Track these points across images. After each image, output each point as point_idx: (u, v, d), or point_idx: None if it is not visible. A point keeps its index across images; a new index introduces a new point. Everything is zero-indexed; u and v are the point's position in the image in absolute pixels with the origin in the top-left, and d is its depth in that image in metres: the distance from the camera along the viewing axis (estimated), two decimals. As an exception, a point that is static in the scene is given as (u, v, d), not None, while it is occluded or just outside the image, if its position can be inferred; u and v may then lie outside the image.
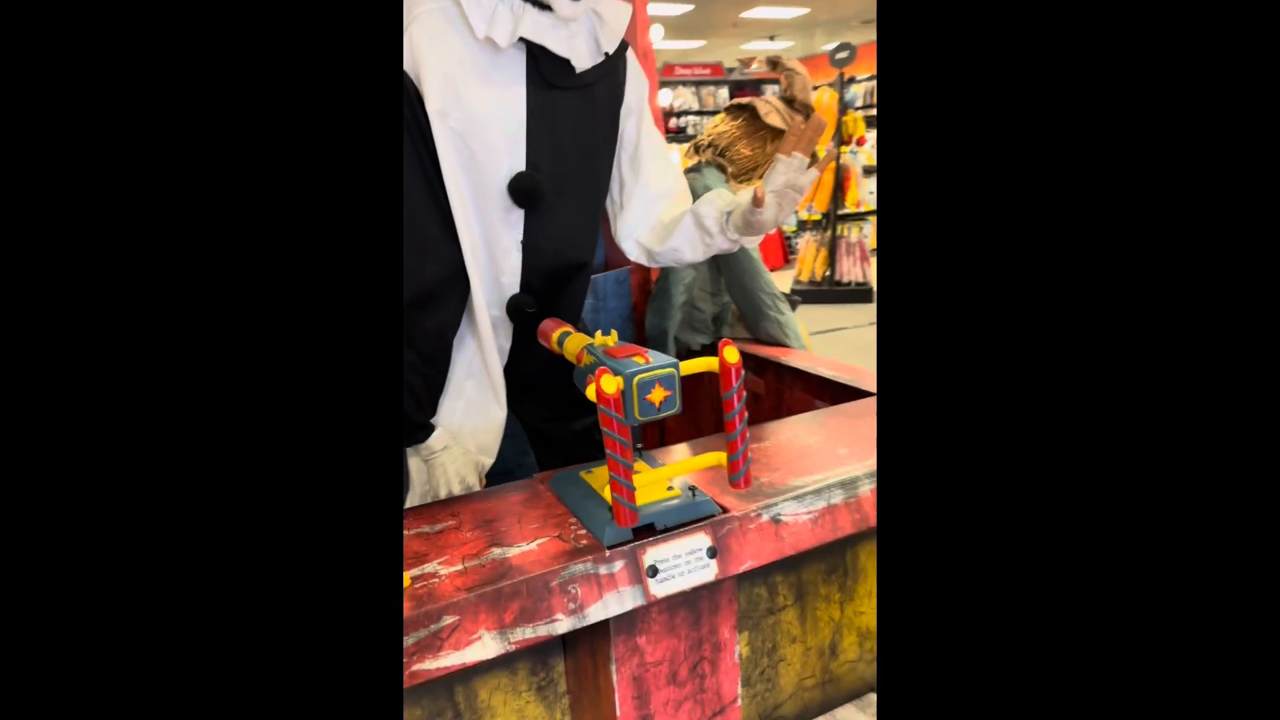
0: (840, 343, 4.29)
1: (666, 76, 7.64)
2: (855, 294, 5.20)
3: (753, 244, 0.93)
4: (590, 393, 0.60)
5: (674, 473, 0.66)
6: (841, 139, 5.13)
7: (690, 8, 8.16)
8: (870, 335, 4.34)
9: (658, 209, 1.00)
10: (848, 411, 0.96)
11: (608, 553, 0.63)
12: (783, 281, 5.62)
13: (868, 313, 4.84)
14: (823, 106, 5.10)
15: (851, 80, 6.28)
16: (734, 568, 0.68)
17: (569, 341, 0.77)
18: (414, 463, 0.96)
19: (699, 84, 7.52)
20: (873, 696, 1.01)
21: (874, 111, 6.89)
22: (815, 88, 5.28)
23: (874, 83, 7.19)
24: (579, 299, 1.03)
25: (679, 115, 7.33)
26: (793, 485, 0.74)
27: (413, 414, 0.91)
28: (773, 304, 1.32)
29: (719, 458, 0.66)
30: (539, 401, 1.08)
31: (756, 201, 0.82)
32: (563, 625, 0.60)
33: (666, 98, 7.24)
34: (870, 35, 10.35)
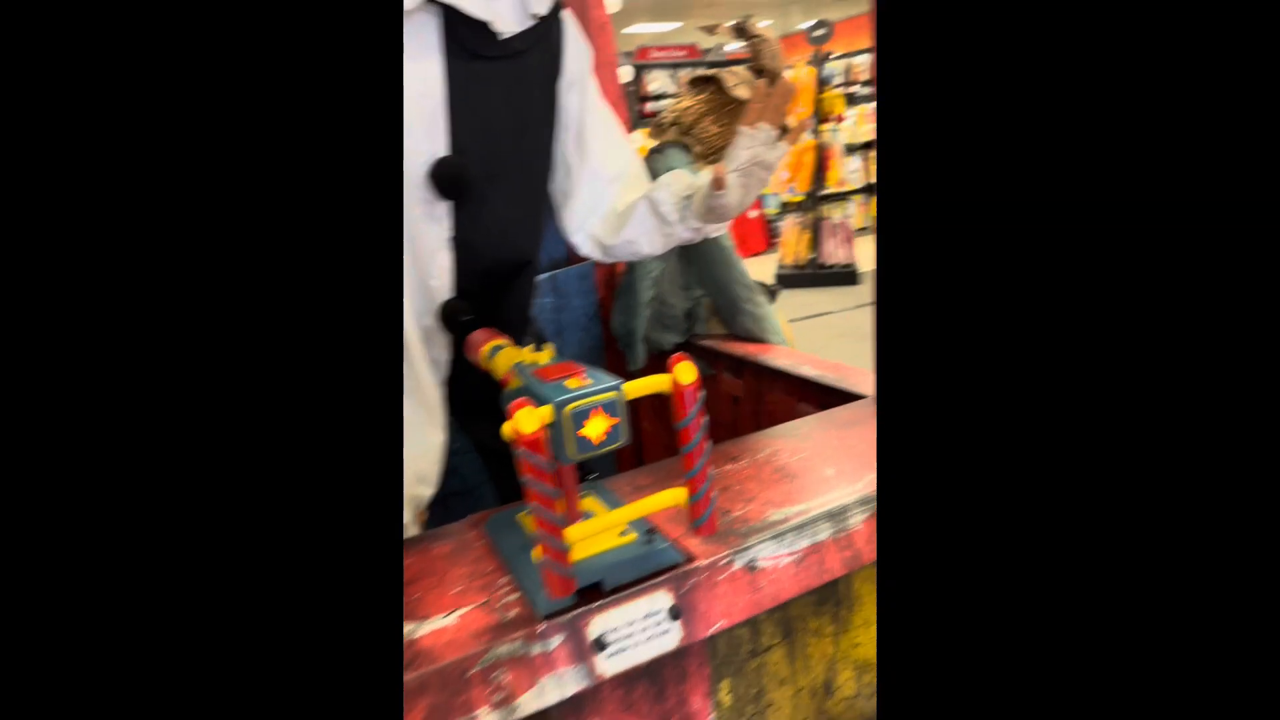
0: (826, 327, 4.18)
1: (641, 60, 7.46)
2: (840, 276, 5.08)
3: (719, 232, 0.81)
4: (507, 430, 0.47)
5: (623, 518, 0.54)
6: (821, 117, 5.00)
7: (663, -11, 7.97)
8: (858, 319, 4.24)
9: (610, 196, 0.87)
10: (835, 420, 0.84)
11: (542, 625, 0.50)
12: (767, 266, 5.51)
13: (854, 295, 4.73)
14: (801, 83, 4.97)
15: (829, 56, 6.14)
16: (701, 630, 0.56)
17: (499, 358, 0.65)
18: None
19: (675, 66, 7.35)
20: (873, 735, 0.90)
21: (853, 89, 6.76)
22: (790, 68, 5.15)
23: (852, 59, 7.06)
24: (525, 302, 0.90)
25: (655, 99, 7.17)
26: (771, 520, 0.62)
27: None
28: (748, 296, 1.20)
29: (679, 495, 0.54)
30: (494, 420, 0.95)
31: (717, 183, 0.70)
32: (486, 723, 0.48)
33: (629, 74, 6.98)
34: (846, 10, 10.21)
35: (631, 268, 1.26)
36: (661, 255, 1.27)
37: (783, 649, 0.78)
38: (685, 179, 0.80)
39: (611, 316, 1.33)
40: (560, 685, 0.50)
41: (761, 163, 0.71)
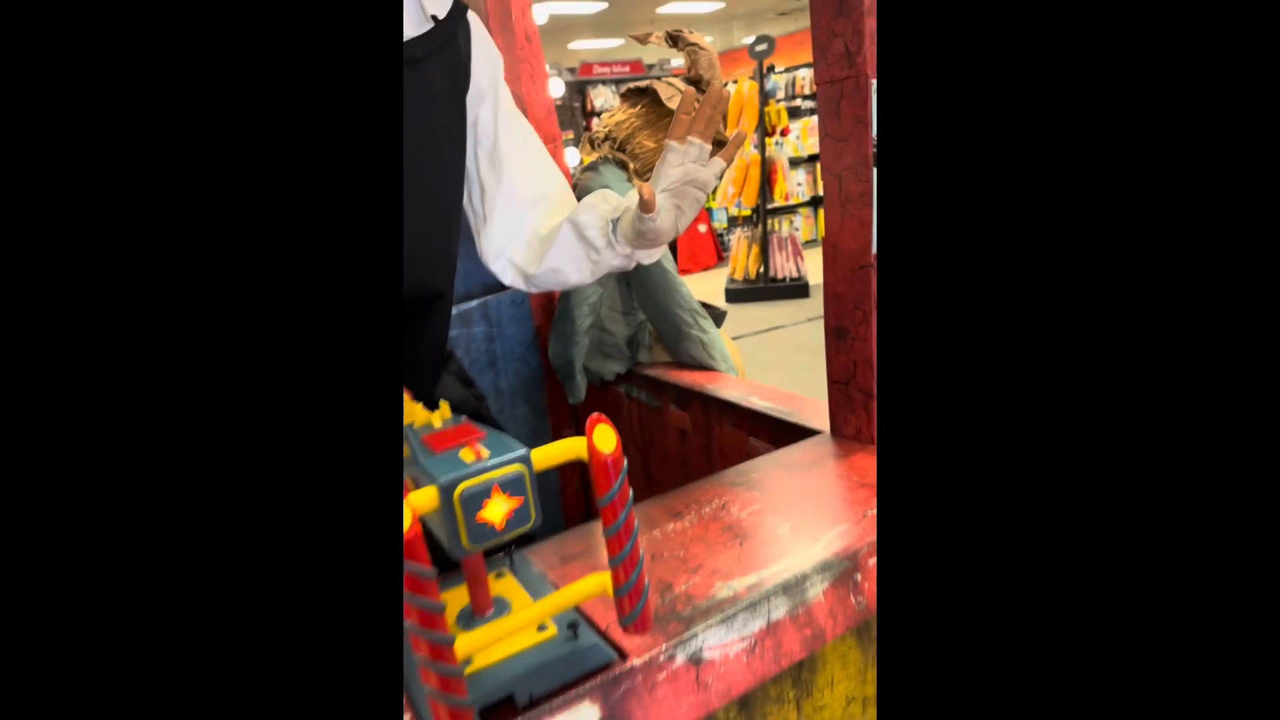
0: (780, 341, 4.15)
1: (585, 76, 7.41)
2: (790, 289, 5.07)
3: (652, 259, 0.72)
4: None
5: (538, 615, 0.44)
6: (766, 130, 5.01)
7: (605, 5, 7.95)
8: (809, 332, 4.22)
9: (531, 219, 0.78)
10: (790, 461, 0.75)
11: (435, 764, 0.40)
12: (718, 281, 5.48)
13: (805, 308, 4.72)
14: (744, 98, 4.97)
15: (772, 70, 6.19)
16: (638, 747, 0.46)
17: (415, 413, 0.54)
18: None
19: (618, 82, 7.31)
20: (845, 805, 0.81)
21: (796, 102, 6.82)
22: (730, 83, 5.15)
23: (795, 73, 7.13)
24: (439, 337, 0.80)
25: (598, 114, 7.11)
26: (719, 597, 0.53)
27: None
28: (693, 320, 1.11)
29: (604, 583, 0.44)
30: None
31: (645, 205, 0.61)
32: None
33: (558, 89, 6.82)
34: (788, 27, 10.37)
35: (566, 294, 1.17)
36: (599, 280, 1.18)
37: (740, 724, 0.69)
38: (613, 200, 0.71)
39: (549, 344, 1.23)
40: (459, 840, 0.40)
41: (694, 181, 0.63)
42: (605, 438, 0.41)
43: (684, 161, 0.62)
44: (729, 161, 0.65)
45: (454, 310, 1.23)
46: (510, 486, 0.41)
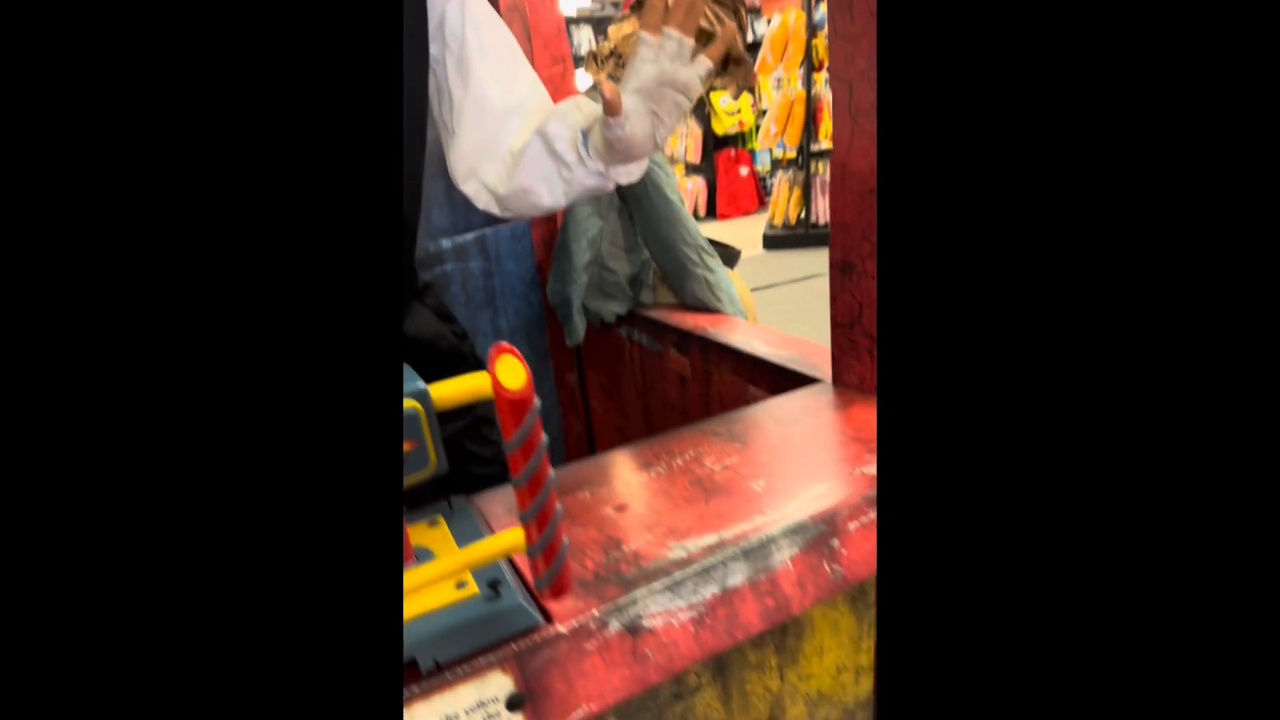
0: (816, 290, 4.00)
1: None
2: (833, 236, 4.87)
3: (630, 178, 0.64)
4: None
5: (440, 571, 0.39)
6: (812, 65, 4.73)
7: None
8: (848, 280, 4.04)
9: (504, 133, 0.70)
10: (780, 412, 0.68)
11: (313, 734, 0.35)
12: (757, 228, 5.30)
13: (846, 255, 4.53)
14: (789, 30, 4.70)
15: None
16: (557, 722, 0.41)
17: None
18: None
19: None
20: (831, 775, 0.76)
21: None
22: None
23: None
24: (401, 268, 0.74)
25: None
26: (670, 558, 0.46)
27: None
28: (698, 258, 1.03)
29: (517, 539, 0.38)
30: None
31: (608, 107, 0.53)
32: None
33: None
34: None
35: (565, 226, 1.09)
36: (600, 212, 1.10)
37: (714, 689, 0.64)
38: (587, 108, 0.62)
39: (548, 283, 1.16)
40: (339, 819, 0.36)
41: (672, 82, 0.54)
42: (511, 372, 0.35)
43: (658, 58, 0.53)
44: (716, 61, 0.56)
45: (448, 243, 1.17)
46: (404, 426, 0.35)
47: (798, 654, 0.68)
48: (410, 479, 0.36)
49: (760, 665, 0.66)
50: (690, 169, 6.42)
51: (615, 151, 0.57)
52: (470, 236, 1.18)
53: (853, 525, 0.51)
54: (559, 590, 0.38)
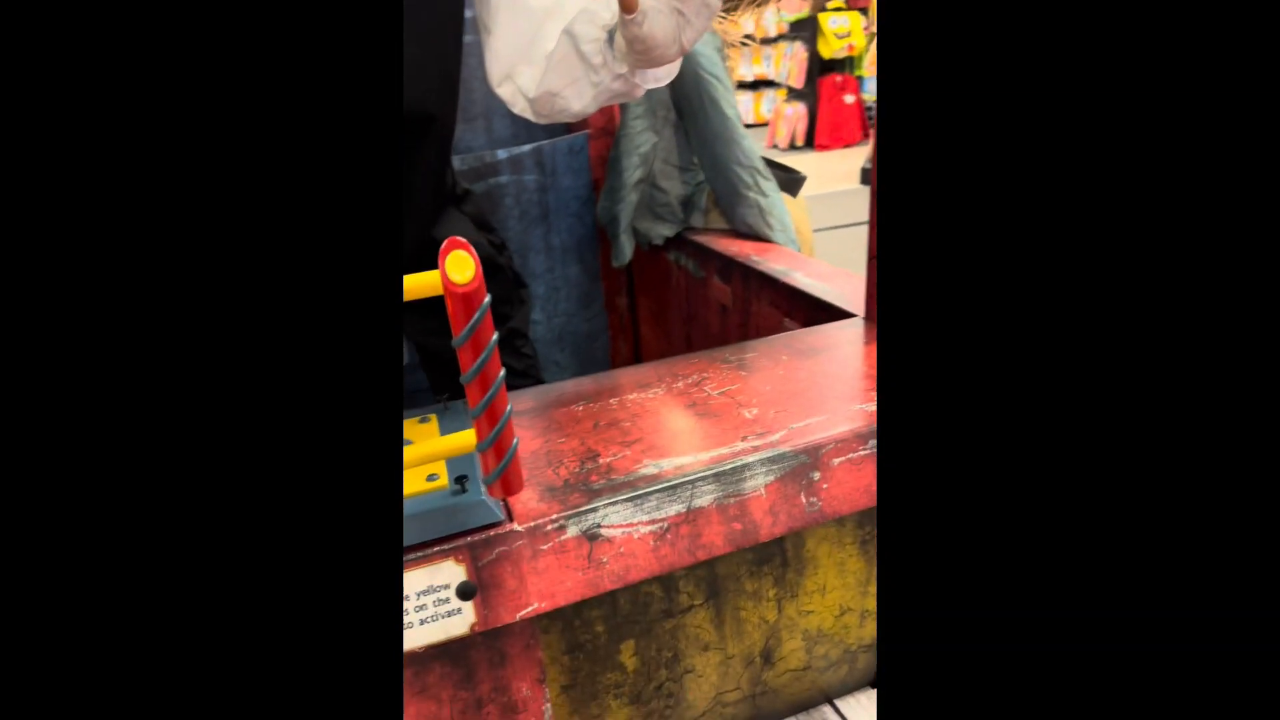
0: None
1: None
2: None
3: (658, 82, 0.60)
4: None
5: (410, 460, 0.40)
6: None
7: None
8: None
9: (543, 35, 0.68)
10: (798, 344, 0.65)
11: (272, 593, 0.38)
12: (856, 161, 5.02)
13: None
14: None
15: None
16: (506, 615, 0.42)
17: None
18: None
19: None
20: (827, 709, 0.77)
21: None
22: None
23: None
24: (432, 170, 0.74)
25: None
26: (641, 473, 0.46)
27: None
28: (752, 181, 0.98)
29: (469, 439, 0.39)
30: (415, 310, 0.82)
31: (624, 2, 0.49)
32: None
33: None
34: None
35: (618, 141, 1.06)
36: (654, 127, 1.06)
37: (707, 611, 0.65)
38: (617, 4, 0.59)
39: (600, 200, 1.15)
40: (291, 671, 0.38)
41: (697, -24, 0.50)
42: (460, 265, 0.34)
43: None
44: None
45: (504, 154, 1.17)
46: (356, 312, 0.35)
47: (798, 589, 0.68)
48: (368, 366, 0.37)
49: (757, 595, 0.66)
50: (792, 94, 6.11)
51: (637, 53, 0.54)
52: (527, 148, 1.17)
53: (837, 460, 0.49)
54: (508, 488, 0.39)
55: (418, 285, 0.37)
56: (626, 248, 1.10)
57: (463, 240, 0.35)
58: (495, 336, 0.36)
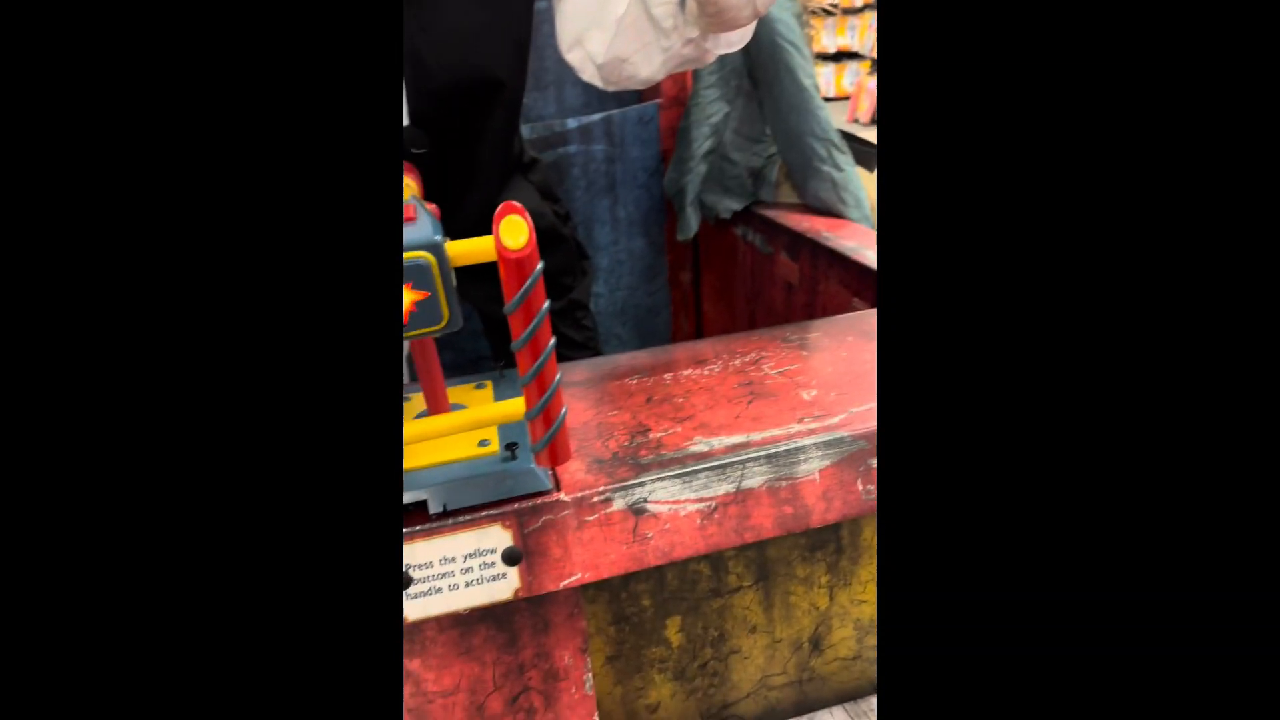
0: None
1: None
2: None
3: (730, 47, 0.58)
4: None
5: (447, 425, 0.40)
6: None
7: None
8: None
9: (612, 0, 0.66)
10: (866, 326, 0.62)
11: (326, 546, 0.39)
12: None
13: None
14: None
15: None
16: (549, 583, 0.42)
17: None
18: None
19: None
20: (875, 700, 0.75)
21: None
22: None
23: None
24: (500, 137, 0.74)
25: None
26: (692, 450, 0.45)
27: None
28: (827, 154, 0.94)
29: (517, 407, 0.39)
30: (479, 277, 0.83)
31: None
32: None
33: None
34: None
35: (688, 111, 1.04)
36: (726, 97, 1.03)
37: (756, 593, 0.64)
38: (690, -32, 0.57)
39: (667, 171, 1.13)
40: (342, 621, 0.40)
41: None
42: (514, 230, 0.34)
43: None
44: None
45: (575, 123, 1.16)
46: (411, 275, 0.35)
47: (852, 577, 0.66)
48: (422, 330, 0.37)
49: (809, 581, 0.65)
50: (876, 66, 5.86)
51: (709, 16, 0.52)
52: (597, 118, 1.16)
53: (900, 449, 0.47)
54: (556, 457, 0.38)
55: (471, 250, 0.37)
56: (693, 221, 1.08)
57: (517, 205, 0.34)
58: (547, 305, 0.35)
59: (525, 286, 0.34)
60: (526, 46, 0.70)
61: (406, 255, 0.35)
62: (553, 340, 0.36)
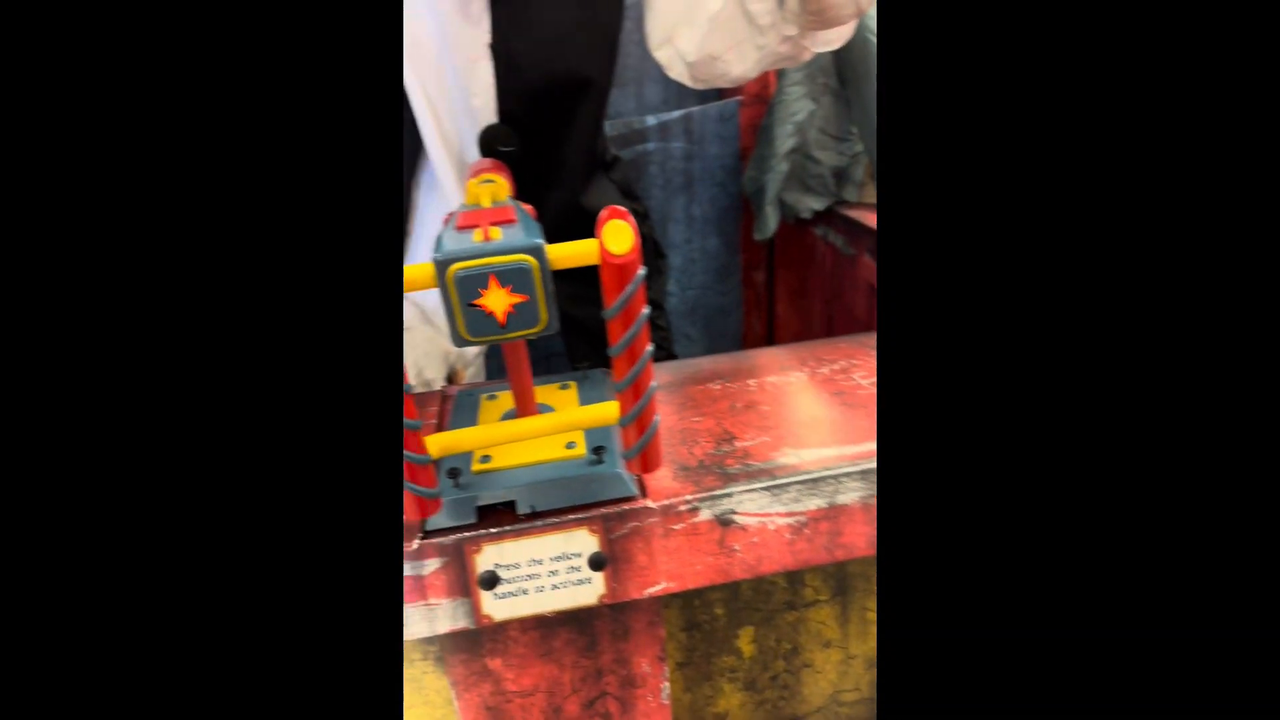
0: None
1: None
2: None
3: (829, 46, 0.56)
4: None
5: (537, 428, 0.40)
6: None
7: None
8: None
9: None
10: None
11: (417, 543, 0.40)
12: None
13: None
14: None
15: None
16: (634, 590, 0.42)
17: (469, 194, 0.50)
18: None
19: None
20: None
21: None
22: None
23: None
24: (586, 135, 0.73)
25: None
26: (780, 462, 0.44)
27: None
28: (916, 156, 0.90)
29: (610, 412, 0.38)
30: (559, 275, 0.83)
31: None
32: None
33: None
34: None
35: (771, 108, 1.02)
36: (812, 94, 1.00)
37: (832, 608, 0.62)
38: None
39: (746, 170, 1.11)
40: (432, 619, 0.40)
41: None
42: (619, 235, 0.33)
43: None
44: None
45: (654, 120, 1.15)
46: (511, 278, 0.35)
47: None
48: (520, 333, 0.37)
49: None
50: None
51: (810, 13, 0.50)
52: (676, 114, 1.14)
53: (1004, 471, 0.44)
54: (647, 465, 0.38)
55: (572, 253, 0.36)
56: (771, 220, 1.06)
57: (623, 210, 0.34)
58: (646, 311, 0.35)
59: (626, 292, 0.34)
60: (616, 45, 0.70)
61: (507, 258, 0.35)
62: (650, 347, 0.36)
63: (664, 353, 0.93)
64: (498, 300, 0.36)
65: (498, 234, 0.36)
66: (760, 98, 1.15)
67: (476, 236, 0.36)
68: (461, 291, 0.35)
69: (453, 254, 0.35)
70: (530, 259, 0.36)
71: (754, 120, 1.16)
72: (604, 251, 0.33)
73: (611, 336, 0.35)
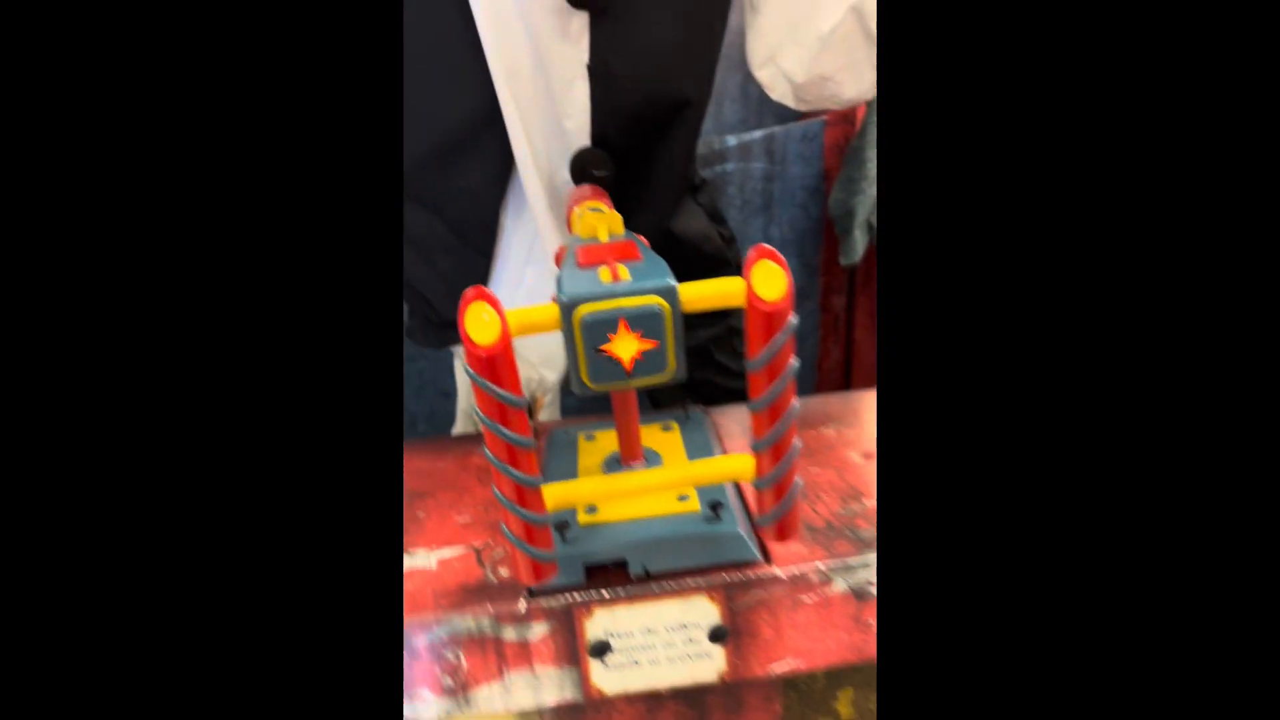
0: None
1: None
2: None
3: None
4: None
5: (657, 481, 0.36)
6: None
7: None
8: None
9: (820, 14, 0.61)
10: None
11: (524, 604, 0.36)
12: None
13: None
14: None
15: None
16: (758, 667, 0.38)
17: (580, 224, 0.48)
18: (459, 368, 0.77)
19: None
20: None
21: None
22: None
23: None
24: (682, 159, 0.70)
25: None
26: (921, 528, 0.39)
27: (441, 307, 0.70)
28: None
29: (745, 466, 0.34)
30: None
31: None
32: (429, 709, 0.37)
33: None
34: None
35: (863, 129, 0.97)
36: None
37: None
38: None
39: (833, 191, 1.06)
40: (536, 690, 0.37)
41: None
42: (770, 280, 0.30)
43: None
44: None
45: (734, 140, 1.12)
46: (642, 323, 0.32)
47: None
48: (645, 379, 0.34)
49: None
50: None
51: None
52: (758, 134, 1.11)
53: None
54: (784, 533, 0.34)
55: (710, 294, 0.33)
56: (859, 244, 1.01)
57: (772, 250, 0.30)
58: (795, 364, 0.31)
59: (775, 342, 0.30)
60: (715, 66, 0.66)
61: (638, 300, 0.32)
62: (795, 404, 0.32)
63: (742, 380, 0.89)
64: (626, 346, 0.32)
65: (626, 274, 0.33)
66: (845, 118, 1.11)
67: (604, 276, 0.33)
68: (588, 337, 0.32)
69: (580, 296, 0.32)
70: (662, 302, 0.32)
71: (838, 141, 1.12)
72: (752, 296, 0.30)
73: (753, 389, 0.31)
